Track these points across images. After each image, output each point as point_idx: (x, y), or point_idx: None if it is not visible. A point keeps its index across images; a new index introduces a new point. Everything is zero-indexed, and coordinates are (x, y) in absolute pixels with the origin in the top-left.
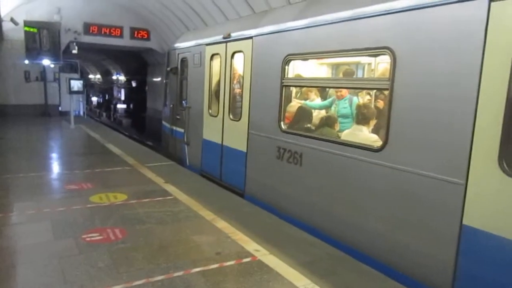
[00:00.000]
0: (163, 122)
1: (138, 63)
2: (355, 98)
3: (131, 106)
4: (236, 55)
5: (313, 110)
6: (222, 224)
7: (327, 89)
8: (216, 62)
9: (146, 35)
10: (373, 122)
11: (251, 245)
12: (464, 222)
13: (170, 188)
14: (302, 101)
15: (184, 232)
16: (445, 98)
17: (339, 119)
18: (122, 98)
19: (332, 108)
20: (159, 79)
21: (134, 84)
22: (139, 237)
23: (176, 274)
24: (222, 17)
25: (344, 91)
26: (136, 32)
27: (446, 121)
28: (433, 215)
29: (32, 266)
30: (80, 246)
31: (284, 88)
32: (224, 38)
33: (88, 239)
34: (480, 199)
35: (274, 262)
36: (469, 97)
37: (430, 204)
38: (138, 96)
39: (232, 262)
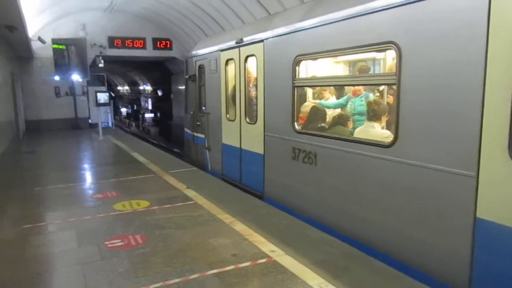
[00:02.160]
0: (185, 129)
1: (162, 72)
2: (371, 95)
3: (158, 114)
4: (249, 59)
5: (327, 109)
6: (239, 227)
7: (343, 86)
8: (231, 67)
9: (168, 45)
10: (384, 118)
11: (267, 246)
12: (478, 215)
13: (191, 193)
14: (316, 101)
15: (202, 236)
16: (451, 90)
17: (356, 116)
18: (149, 107)
19: (348, 105)
20: (183, 87)
21: (160, 93)
22: (159, 242)
23: (192, 276)
24: (239, 21)
25: (359, 88)
26: (158, 42)
27: (454, 113)
28: (446, 209)
29: (55, 273)
30: (102, 252)
31: (295, 88)
32: (236, 43)
33: (110, 245)
34: (492, 191)
35: (289, 262)
36: (475, 87)
37: (442, 198)
38: (164, 105)
39: (247, 263)
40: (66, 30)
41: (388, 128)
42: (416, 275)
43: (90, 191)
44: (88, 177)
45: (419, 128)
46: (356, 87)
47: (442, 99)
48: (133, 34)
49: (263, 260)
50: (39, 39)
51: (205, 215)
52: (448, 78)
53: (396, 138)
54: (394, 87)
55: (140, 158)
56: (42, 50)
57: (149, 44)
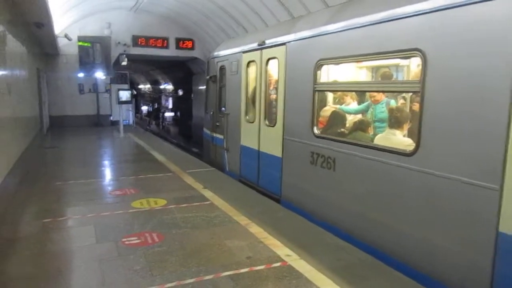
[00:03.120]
0: (204, 129)
1: (184, 72)
2: (393, 101)
3: (178, 114)
4: (270, 61)
5: (347, 115)
6: (255, 229)
7: (364, 92)
8: (252, 69)
9: (190, 45)
10: (406, 126)
11: (283, 250)
12: (500, 229)
13: (208, 193)
14: (337, 106)
15: (218, 237)
16: (478, 100)
17: (376, 123)
18: (170, 106)
19: (369, 112)
20: (203, 87)
21: (180, 92)
22: (175, 241)
23: (206, 277)
24: (262, 24)
25: (380, 95)
26: (181, 42)
27: (479, 124)
28: (468, 221)
29: (75, 268)
30: (119, 249)
31: (316, 93)
32: (259, 45)
33: (127, 242)
34: None
35: (304, 267)
36: (502, 98)
37: (464, 209)
38: (184, 104)
39: (262, 267)
40: (92, 28)
41: (410, 136)
42: (435, 286)
43: (110, 188)
44: (108, 174)
45: (442, 137)
46: (377, 94)
47: (466, 109)
48: (157, 34)
49: (278, 264)
50: (66, 36)
51: (221, 216)
52: (473, 89)
53: (418, 146)
54: (417, 95)
55: (159, 157)
56: (68, 47)
57: (172, 44)
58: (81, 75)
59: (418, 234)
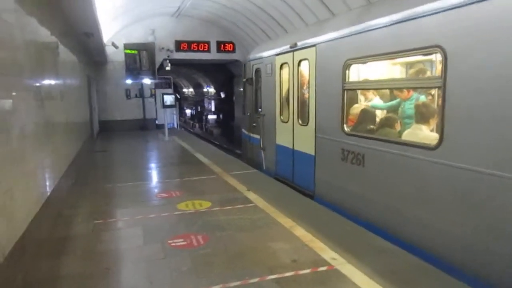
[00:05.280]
0: (242, 130)
1: (225, 75)
2: (422, 97)
3: (221, 116)
4: (302, 62)
5: (376, 112)
6: (299, 232)
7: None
8: (285, 71)
9: (231, 48)
10: (433, 121)
11: (328, 254)
12: None
13: (251, 195)
14: (366, 103)
15: (262, 239)
16: (498, 94)
17: (405, 119)
18: (212, 109)
19: (400, 109)
20: None
21: (222, 95)
22: (219, 244)
23: (251, 280)
24: (302, 23)
25: (408, 92)
26: (222, 45)
27: (501, 117)
28: (493, 211)
29: (123, 269)
30: (166, 251)
31: (345, 91)
32: (291, 47)
33: (173, 244)
34: None
35: (351, 272)
36: None
37: (491, 199)
38: (226, 107)
39: (307, 271)
40: (137, 36)
41: (436, 130)
42: (464, 277)
43: (156, 190)
44: (154, 176)
45: (464, 130)
46: (403, 92)
47: (488, 102)
48: (198, 38)
49: (324, 268)
50: (113, 44)
51: (265, 218)
52: (494, 82)
53: (441, 140)
54: (440, 90)
55: (203, 159)
56: (115, 55)
57: (213, 47)
58: (128, 81)
59: (444, 225)
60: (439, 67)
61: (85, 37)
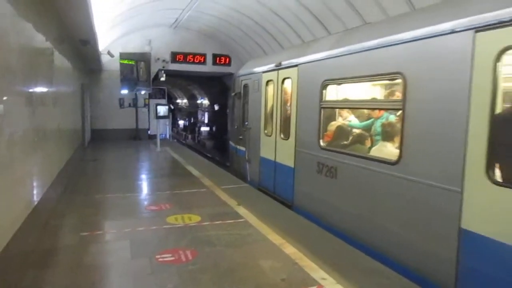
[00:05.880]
0: (230, 142)
1: (220, 87)
2: (391, 117)
3: (214, 128)
4: (285, 81)
5: (350, 129)
6: (290, 250)
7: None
8: (270, 88)
9: (227, 61)
10: (396, 139)
11: (318, 273)
12: (462, 226)
13: (242, 210)
14: (342, 121)
15: (252, 256)
16: (445, 116)
17: (375, 137)
18: (206, 121)
19: (372, 126)
20: None
21: (216, 107)
22: (208, 259)
23: None
24: (298, 39)
25: (379, 111)
26: (218, 58)
27: (446, 136)
28: (438, 219)
29: (109, 284)
30: (153, 266)
31: (322, 109)
32: (276, 66)
33: (161, 259)
34: (474, 205)
35: None
36: (462, 116)
37: (435, 209)
38: (220, 119)
39: None
40: (133, 45)
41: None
42: (410, 275)
43: (145, 202)
44: (145, 188)
45: (418, 148)
46: (377, 110)
47: (437, 123)
48: (195, 50)
49: None
50: (108, 53)
51: (255, 235)
52: (442, 106)
53: (400, 156)
54: (400, 111)
55: (194, 172)
56: (111, 63)
57: (209, 59)
58: (124, 92)
59: (399, 231)
60: (400, 91)
61: (80, 44)
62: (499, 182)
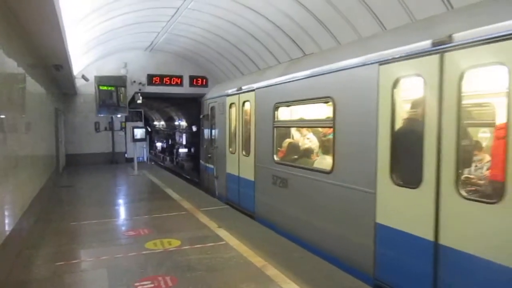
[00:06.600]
0: (201, 161)
1: (197, 109)
2: (328, 133)
3: (192, 149)
4: (245, 103)
5: (300, 145)
6: (272, 271)
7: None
8: (233, 110)
9: (204, 82)
10: (331, 152)
11: None
12: (377, 220)
13: (222, 233)
14: (293, 139)
15: (233, 280)
16: (362, 132)
17: (319, 151)
18: (184, 142)
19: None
20: None
21: (194, 128)
22: (189, 285)
23: None
24: (274, 61)
25: (329, 129)
26: (194, 80)
27: (364, 149)
28: (361, 217)
29: None
30: None
31: (275, 128)
32: (237, 90)
33: (140, 287)
34: (383, 203)
35: None
36: (373, 132)
37: (359, 208)
38: (198, 140)
39: None
40: (109, 68)
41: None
42: (337, 263)
43: (123, 228)
44: (122, 213)
45: (345, 158)
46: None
47: (357, 138)
48: (171, 72)
49: None
50: (83, 77)
51: (237, 257)
52: (361, 125)
53: (333, 167)
54: (331, 130)
55: (173, 195)
56: (85, 87)
57: (186, 81)
58: (102, 115)
59: (333, 226)
60: (331, 112)
61: (54, 69)
62: (399, 183)
